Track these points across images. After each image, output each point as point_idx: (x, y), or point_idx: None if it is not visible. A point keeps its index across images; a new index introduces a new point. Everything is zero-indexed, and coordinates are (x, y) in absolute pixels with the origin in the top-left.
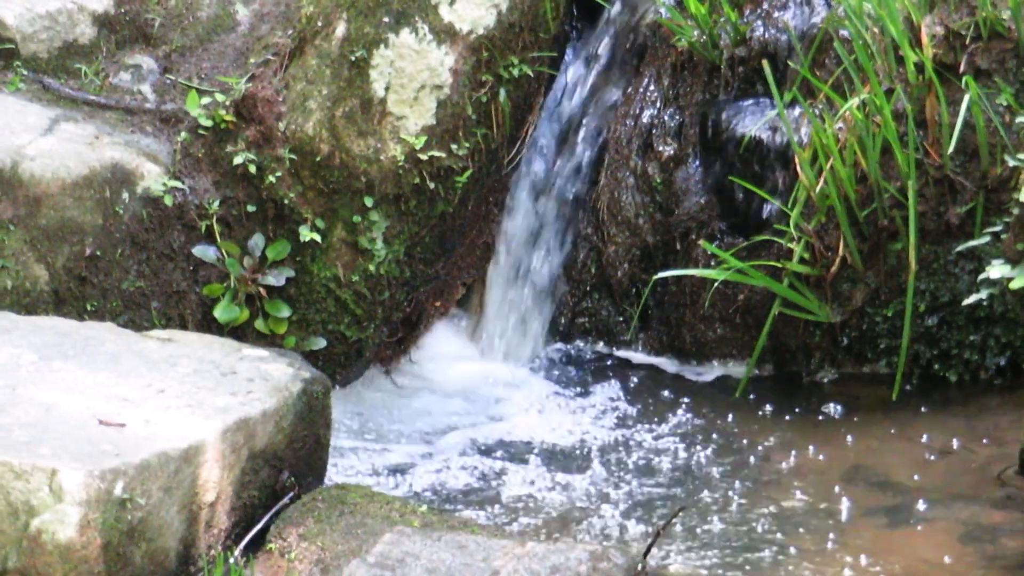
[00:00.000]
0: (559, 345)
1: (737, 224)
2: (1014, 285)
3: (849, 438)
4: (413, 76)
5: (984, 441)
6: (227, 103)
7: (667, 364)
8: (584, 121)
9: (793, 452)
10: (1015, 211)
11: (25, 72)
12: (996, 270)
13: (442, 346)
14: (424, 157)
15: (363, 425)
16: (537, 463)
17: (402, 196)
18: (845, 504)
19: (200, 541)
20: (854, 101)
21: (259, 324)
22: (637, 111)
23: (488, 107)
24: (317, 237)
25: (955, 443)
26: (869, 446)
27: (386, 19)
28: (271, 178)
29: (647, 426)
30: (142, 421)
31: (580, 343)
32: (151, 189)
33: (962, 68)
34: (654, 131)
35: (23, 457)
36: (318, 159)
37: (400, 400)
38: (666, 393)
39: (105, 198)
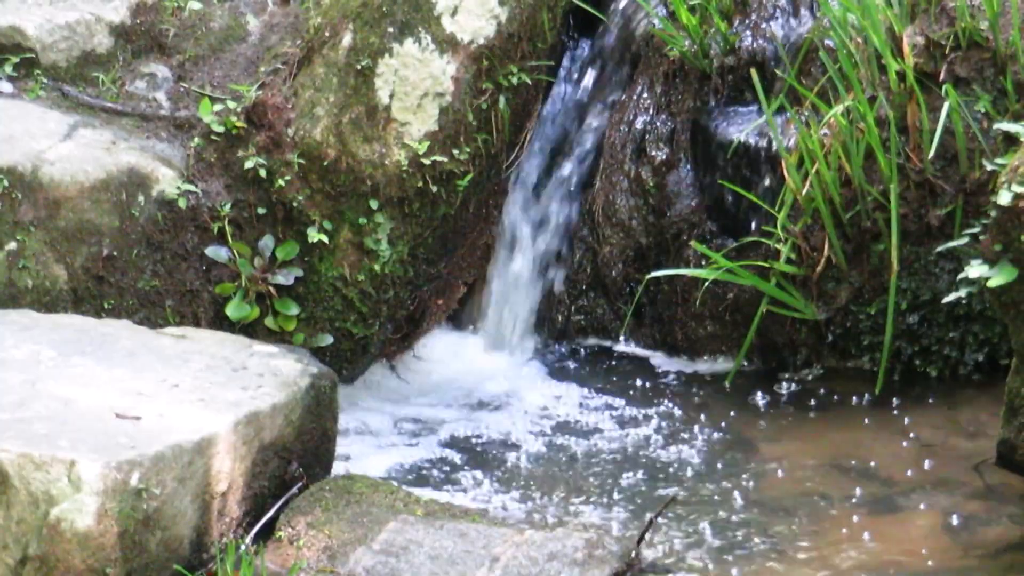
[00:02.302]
0: (557, 341)
1: (727, 226)
2: (992, 284)
3: (834, 430)
4: (416, 84)
5: (963, 434)
6: (238, 110)
7: (659, 359)
8: (580, 127)
9: (780, 444)
10: (993, 213)
11: (45, 80)
12: (975, 270)
13: (445, 342)
14: (427, 162)
15: (370, 415)
16: (534, 452)
17: (406, 199)
18: (830, 494)
19: (213, 529)
20: (838, 108)
21: (269, 322)
22: (631, 118)
23: (488, 114)
24: (324, 238)
25: (936, 435)
26: (853, 438)
27: (390, 29)
28: (280, 182)
29: (640, 418)
30: (157, 414)
31: (577, 339)
32: (166, 192)
33: (942, 76)
34: (647, 137)
35: (43, 449)
36: (325, 163)
37: (405, 392)
38: (658, 387)
39: (121, 201)
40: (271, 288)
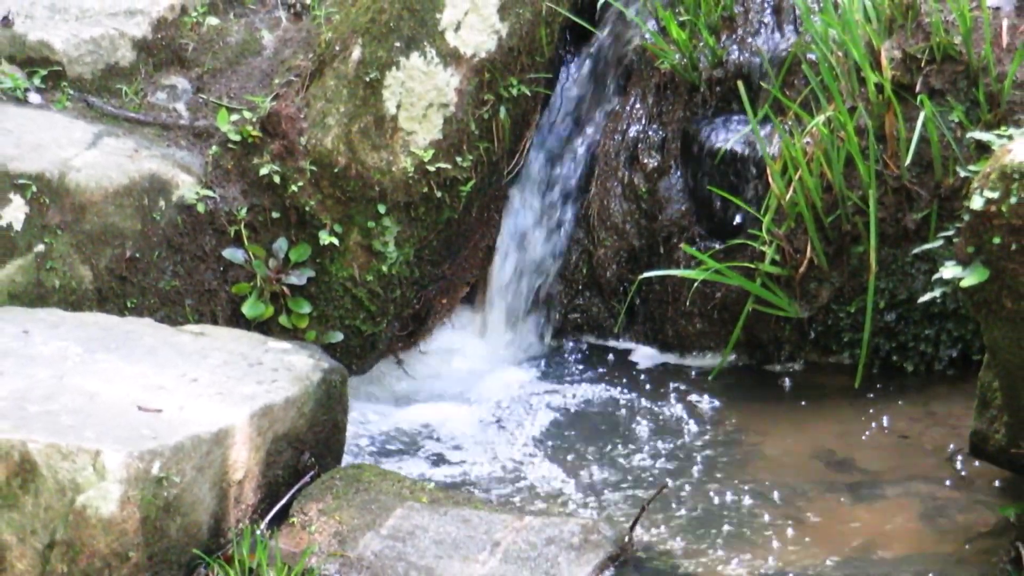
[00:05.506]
0: (554, 338)
1: (715, 229)
2: (965, 284)
3: (815, 422)
4: (422, 95)
5: (938, 425)
6: (254, 120)
7: (651, 355)
8: (576, 136)
9: (765, 435)
10: (966, 217)
11: (71, 92)
12: (949, 271)
13: (449, 338)
14: (432, 168)
15: (378, 406)
16: (531, 443)
17: (412, 204)
18: (812, 482)
19: (229, 515)
20: (820, 118)
21: (283, 319)
22: (624, 127)
23: (490, 123)
24: (335, 241)
25: (912, 427)
26: (834, 429)
27: (397, 44)
28: (294, 187)
29: (632, 411)
30: (177, 407)
31: (573, 336)
32: (185, 197)
33: (918, 88)
34: (640, 145)
35: (70, 440)
36: (336, 170)
37: (410, 386)
38: (649, 381)
39: (143, 205)
40: (285, 288)
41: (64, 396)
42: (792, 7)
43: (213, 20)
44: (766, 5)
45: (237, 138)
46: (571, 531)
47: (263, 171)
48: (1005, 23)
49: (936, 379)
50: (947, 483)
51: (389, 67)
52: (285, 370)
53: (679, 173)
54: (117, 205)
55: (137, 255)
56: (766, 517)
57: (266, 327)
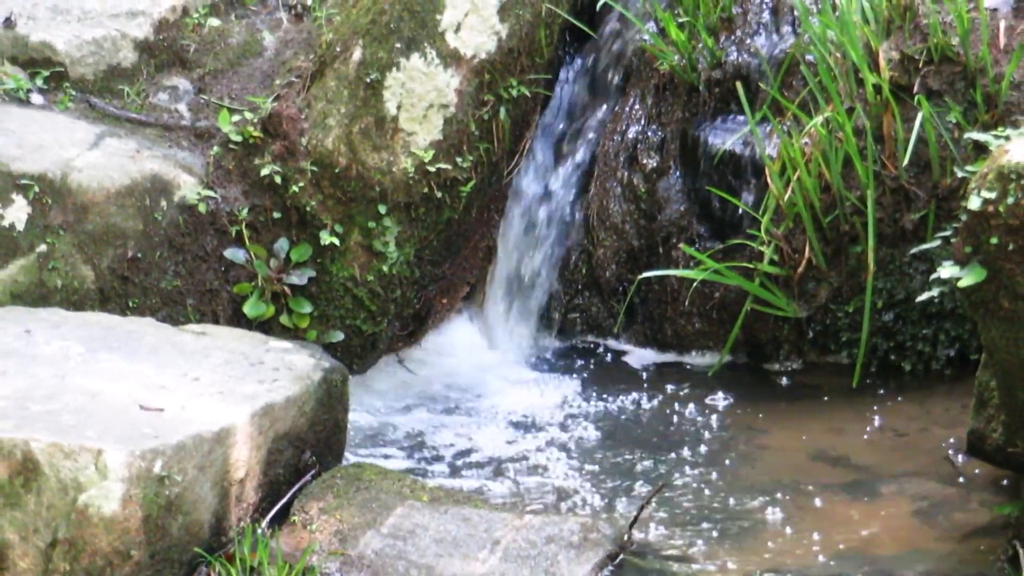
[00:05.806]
0: (553, 337)
1: (713, 229)
2: (962, 284)
3: (814, 421)
4: (422, 96)
5: (936, 424)
6: (255, 120)
7: (650, 355)
8: (575, 137)
9: (763, 433)
10: (963, 217)
11: (73, 92)
12: (946, 270)
13: (449, 337)
14: (432, 169)
15: (382, 401)
16: (531, 441)
17: (412, 204)
18: (810, 481)
19: (231, 514)
20: (818, 119)
21: (284, 319)
22: (623, 128)
23: (490, 124)
24: (336, 241)
25: (910, 426)
26: (832, 428)
27: (398, 45)
28: (295, 188)
29: (631, 410)
30: (179, 406)
31: (572, 336)
32: (187, 198)
33: (916, 89)
34: (639, 146)
35: (72, 439)
36: (337, 171)
37: (412, 383)
38: (648, 381)
39: (145, 206)
40: (286, 288)
41: (66, 395)
42: (790, 8)
43: (214, 21)
44: (764, 6)
45: (238, 139)
46: (571, 530)
47: (264, 171)
48: (1002, 24)
49: (934, 378)
50: (945, 482)
51: (389, 68)
52: (286, 369)
53: (678, 173)
54: (119, 205)
55: (139, 255)
56: (764, 515)
57: (267, 327)
